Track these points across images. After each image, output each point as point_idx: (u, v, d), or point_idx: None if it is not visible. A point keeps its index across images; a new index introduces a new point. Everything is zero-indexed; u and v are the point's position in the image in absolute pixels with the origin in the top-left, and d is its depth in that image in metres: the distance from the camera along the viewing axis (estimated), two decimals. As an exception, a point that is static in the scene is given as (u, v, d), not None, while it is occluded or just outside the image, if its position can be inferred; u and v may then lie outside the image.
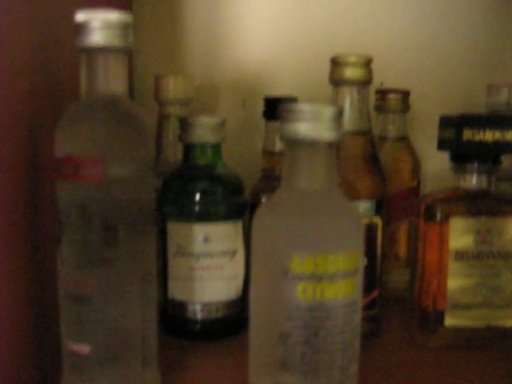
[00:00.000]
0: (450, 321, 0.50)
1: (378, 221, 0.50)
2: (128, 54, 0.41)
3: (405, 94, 0.60)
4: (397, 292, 0.60)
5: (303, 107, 0.39)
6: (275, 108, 0.59)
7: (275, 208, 0.40)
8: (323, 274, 0.38)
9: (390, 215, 0.59)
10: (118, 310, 0.40)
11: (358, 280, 0.40)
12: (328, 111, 0.39)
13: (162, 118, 0.59)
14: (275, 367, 0.39)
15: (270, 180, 0.60)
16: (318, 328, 0.39)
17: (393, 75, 0.65)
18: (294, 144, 0.39)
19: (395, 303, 0.59)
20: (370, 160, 0.51)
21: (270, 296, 0.39)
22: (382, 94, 0.60)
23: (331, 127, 0.39)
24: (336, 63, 0.50)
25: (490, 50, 0.67)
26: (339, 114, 0.40)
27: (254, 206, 0.58)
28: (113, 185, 0.39)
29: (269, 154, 0.60)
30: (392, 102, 0.60)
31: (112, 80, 0.40)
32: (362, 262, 0.40)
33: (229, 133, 0.61)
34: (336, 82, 0.50)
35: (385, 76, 0.64)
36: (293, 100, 0.60)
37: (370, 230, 0.50)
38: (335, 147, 0.40)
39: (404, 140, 0.61)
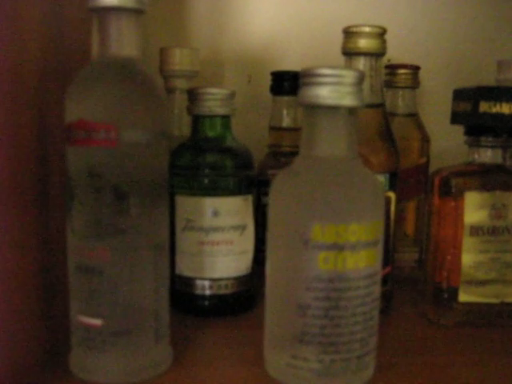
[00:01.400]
0: (464, 297, 0.49)
1: (391, 195, 0.49)
2: (142, 16, 0.39)
3: (415, 70, 0.59)
4: (405, 270, 0.59)
5: (324, 71, 0.37)
6: (283, 83, 0.59)
7: (294, 176, 0.39)
8: (345, 244, 0.37)
9: (399, 192, 0.58)
10: (130, 282, 0.39)
11: (379, 251, 0.39)
12: (350, 75, 0.38)
13: (168, 91, 0.57)
14: (293, 340, 0.38)
15: (277, 156, 0.59)
16: (338, 299, 0.38)
17: (402, 52, 0.64)
18: (314, 109, 0.38)
19: (404, 281, 0.58)
20: (383, 133, 0.50)
21: (288, 266, 0.38)
22: (392, 69, 0.59)
23: (353, 92, 0.38)
24: (350, 33, 0.49)
25: (499, 26, 0.66)
26: (361, 78, 0.38)
27: (260, 182, 0.57)
28: (126, 151, 0.37)
29: (276, 129, 0.59)
30: (402, 77, 0.59)
31: (125, 42, 0.39)
32: (382, 232, 0.39)
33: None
34: (349, 52, 0.49)
35: (394, 52, 0.62)
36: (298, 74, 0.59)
37: (385, 205, 0.49)
38: (356, 114, 0.39)
39: (413, 116, 0.60)
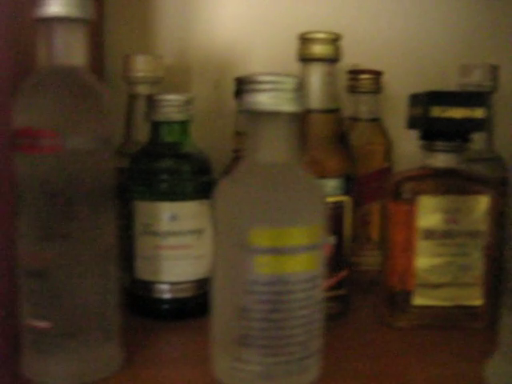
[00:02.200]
0: (418, 300, 0.49)
1: (345, 199, 0.50)
2: (88, 26, 0.40)
3: (377, 75, 0.60)
4: (370, 274, 0.59)
5: (263, 78, 0.38)
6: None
7: (235, 181, 0.40)
8: (282, 248, 0.38)
9: (362, 196, 0.58)
10: (76, 285, 0.39)
11: (319, 255, 0.40)
12: (289, 82, 0.38)
13: (132, 98, 0.58)
14: (235, 343, 0.39)
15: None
16: (278, 303, 0.38)
17: (367, 57, 0.64)
18: (255, 115, 0.39)
19: (369, 285, 0.58)
20: (338, 138, 0.50)
21: (229, 270, 0.39)
22: (354, 74, 0.60)
23: (292, 98, 0.38)
24: (304, 40, 0.50)
25: (462, 31, 0.67)
26: (300, 85, 0.39)
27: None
28: (70, 157, 0.38)
29: (240, 134, 0.59)
30: (364, 82, 0.60)
31: (71, 51, 0.40)
32: (323, 237, 0.40)
33: (201, 113, 0.61)
34: (304, 58, 0.50)
35: (359, 58, 0.63)
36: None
37: (338, 209, 0.49)
38: (297, 120, 0.40)
39: (376, 121, 0.60)
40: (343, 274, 0.51)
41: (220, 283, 0.40)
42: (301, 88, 0.39)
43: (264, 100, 0.38)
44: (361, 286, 0.57)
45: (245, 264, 0.38)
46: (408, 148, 0.59)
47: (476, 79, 0.58)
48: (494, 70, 0.58)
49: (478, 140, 0.58)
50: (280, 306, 0.38)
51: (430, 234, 0.49)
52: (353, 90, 0.60)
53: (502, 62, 0.60)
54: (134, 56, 0.57)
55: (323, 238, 0.40)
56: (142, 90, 0.57)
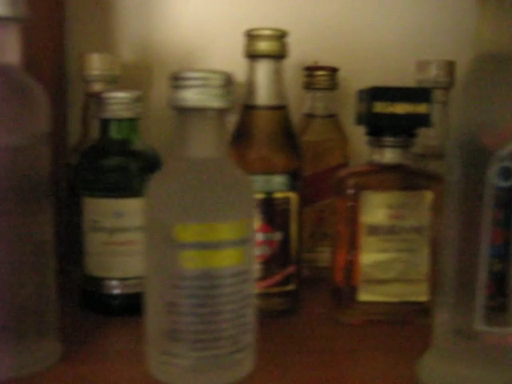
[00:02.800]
0: (363, 296, 0.49)
1: (292, 196, 0.50)
2: (20, 24, 0.41)
3: (333, 72, 0.60)
4: (326, 270, 0.59)
5: (190, 74, 0.38)
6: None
7: (163, 177, 0.40)
8: (209, 243, 0.38)
9: (318, 193, 0.59)
10: (9, 280, 0.40)
11: (248, 249, 0.40)
12: (216, 77, 0.39)
13: (88, 97, 0.59)
14: (164, 337, 0.39)
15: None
16: (205, 297, 0.38)
17: (326, 54, 0.64)
18: (182, 111, 0.39)
19: (323, 281, 0.58)
20: (284, 135, 0.50)
21: (158, 265, 0.39)
22: (310, 71, 0.60)
23: (220, 94, 0.39)
24: (250, 36, 0.50)
25: (422, 27, 0.67)
26: (228, 80, 0.39)
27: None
28: (4, 154, 0.39)
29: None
30: (320, 79, 0.60)
31: (3, 50, 0.40)
32: (252, 231, 0.40)
33: (161, 111, 0.61)
34: (250, 55, 0.50)
35: (318, 55, 0.63)
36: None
37: (284, 205, 0.50)
38: (225, 115, 0.40)
39: (332, 118, 0.60)
40: (290, 270, 0.51)
41: (150, 278, 0.40)
42: (229, 84, 0.39)
43: (191, 96, 0.38)
44: (316, 282, 0.57)
45: (171, 259, 0.38)
46: (364, 144, 0.59)
47: (432, 75, 0.58)
48: (450, 66, 0.58)
49: (434, 136, 0.57)
50: (208, 300, 0.38)
51: (374, 230, 0.49)
52: (309, 86, 0.60)
53: (460, 58, 0.60)
54: (89, 55, 0.58)
55: (253, 233, 0.40)
56: (98, 88, 0.58)
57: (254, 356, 0.42)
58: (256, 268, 0.41)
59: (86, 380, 0.41)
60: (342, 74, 0.62)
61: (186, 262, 0.38)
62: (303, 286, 0.56)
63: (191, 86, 0.38)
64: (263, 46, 0.49)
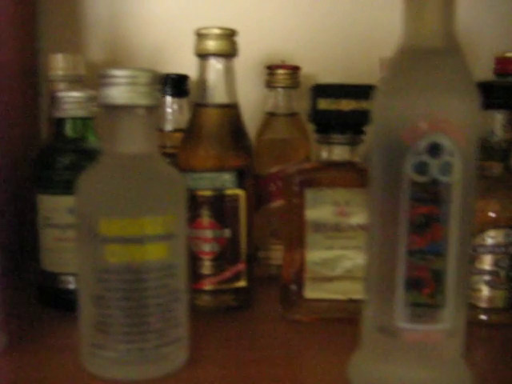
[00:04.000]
0: (309, 293, 0.49)
1: (239, 192, 0.50)
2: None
3: (294, 70, 0.60)
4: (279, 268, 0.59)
5: (118, 72, 0.39)
6: (166, 85, 0.61)
7: (92, 173, 0.41)
8: (132, 237, 0.39)
9: (277, 191, 0.59)
10: None
11: (175, 245, 0.40)
12: (143, 75, 0.39)
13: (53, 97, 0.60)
14: (92, 330, 0.40)
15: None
16: (130, 291, 0.39)
17: (292, 54, 0.65)
18: (110, 109, 0.40)
19: (277, 278, 0.58)
20: (234, 133, 0.51)
21: (85, 259, 0.40)
22: (272, 69, 0.60)
23: (147, 92, 0.39)
24: (200, 35, 0.50)
25: (383, 25, 0.66)
26: (155, 78, 0.40)
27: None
28: None
29: (160, 131, 0.61)
30: (281, 77, 0.60)
31: None
32: (180, 227, 0.41)
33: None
34: (200, 54, 0.50)
35: (284, 54, 0.64)
36: (183, 77, 0.61)
37: (232, 202, 0.50)
38: (154, 112, 0.40)
39: (294, 116, 0.60)
40: (240, 267, 0.51)
41: (80, 272, 0.41)
42: (156, 82, 0.40)
43: (118, 94, 0.39)
44: (274, 280, 0.57)
45: (97, 253, 0.39)
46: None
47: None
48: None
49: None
50: (133, 294, 0.39)
51: (319, 227, 0.48)
52: (270, 85, 0.60)
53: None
54: (53, 55, 0.59)
55: (181, 229, 0.41)
56: (63, 88, 0.59)
57: (186, 351, 0.42)
58: (185, 263, 0.41)
59: (20, 371, 0.42)
60: (306, 72, 0.62)
61: (110, 256, 0.39)
62: (261, 283, 0.57)
63: (119, 84, 0.39)
64: (212, 44, 0.50)
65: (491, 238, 0.50)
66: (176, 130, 0.60)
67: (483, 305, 0.51)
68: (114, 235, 0.38)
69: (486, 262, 0.50)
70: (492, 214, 0.50)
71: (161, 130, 0.60)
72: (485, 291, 0.50)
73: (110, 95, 0.39)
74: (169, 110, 0.60)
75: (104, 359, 0.40)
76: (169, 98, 0.60)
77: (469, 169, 0.36)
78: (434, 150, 0.35)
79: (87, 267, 0.40)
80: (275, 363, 0.43)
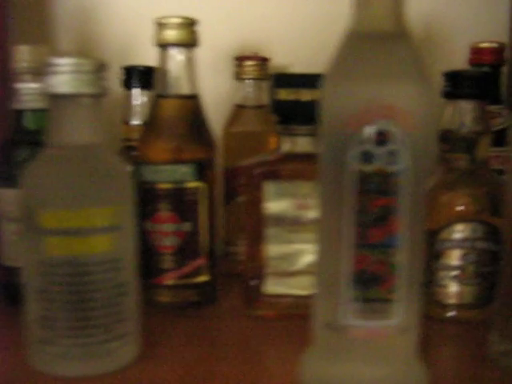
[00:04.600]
0: (270, 289, 0.48)
1: (199, 185, 0.49)
2: None
3: (263, 61, 0.59)
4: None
5: (61, 60, 0.38)
6: (133, 77, 0.60)
7: (36, 164, 0.40)
8: (73, 230, 0.37)
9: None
10: None
11: (120, 237, 0.39)
12: (87, 64, 0.38)
13: (19, 88, 0.59)
14: (37, 325, 0.39)
15: (130, 151, 0.60)
16: (73, 284, 0.38)
17: (265, 45, 0.63)
18: (55, 98, 0.39)
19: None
20: (194, 124, 0.50)
21: (28, 252, 0.39)
22: (240, 61, 0.59)
23: (91, 80, 0.38)
24: (159, 25, 0.49)
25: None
26: (100, 67, 0.39)
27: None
28: None
29: (127, 124, 0.60)
30: (249, 69, 0.58)
31: None
32: (125, 219, 0.39)
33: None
34: (160, 44, 0.49)
35: (258, 45, 0.62)
36: (151, 69, 0.60)
37: (192, 195, 0.49)
38: (100, 102, 0.39)
39: (262, 108, 0.59)
40: (200, 261, 0.50)
41: (23, 265, 0.40)
42: (100, 70, 0.39)
43: (62, 82, 0.38)
44: (239, 275, 0.56)
45: (39, 246, 0.38)
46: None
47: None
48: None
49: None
50: (76, 287, 0.38)
51: (279, 221, 0.47)
52: (239, 76, 0.59)
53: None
54: (19, 47, 0.58)
55: (127, 221, 0.40)
56: (29, 80, 0.58)
57: (136, 346, 0.41)
58: (133, 256, 0.40)
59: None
60: (280, 64, 0.61)
61: (52, 249, 0.38)
62: (230, 279, 0.55)
63: (62, 73, 0.38)
64: (172, 34, 0.49)
65: (458, 232, 0.48)
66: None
67: (451, 301, 0.49)
68: (55, 227, 0.38)
69: (454, 257, 0.48)
70: (460, 208, 0.48)
71: (127, 123, 0.59)
72: (452, 287, 0.49)
73: (53, 84, 0.38)
74: (136, 103, 0.59)
75: (49, 355, 0.39)
76: (136, 91, 0.59)
77: (418, 158, 0.35)
78: (380, 137, 0.34)
79: (31, 261, 0.39)
80: (231, 360, 0.42)
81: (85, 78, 0.38)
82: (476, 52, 0.59)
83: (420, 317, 0.37)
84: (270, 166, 0.48)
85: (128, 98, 0.59)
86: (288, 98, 0.46)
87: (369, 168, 0.34)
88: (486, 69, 0.58)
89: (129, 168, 0.41)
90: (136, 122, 0.59)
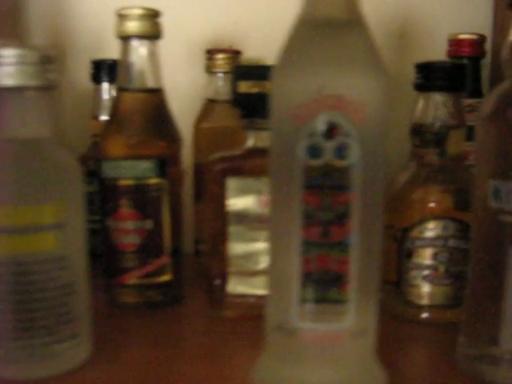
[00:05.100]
0: (233, 288, 0.46)
1: (161, 182, 0.47)
2: None
3: (234, 54, 0.57)
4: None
5: (3, 51, 0.37)
6: (101, 71, 0.58)
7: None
8: (14, 227, 0.36)
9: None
10: None
11: (66, 235, 0.38)
12: (32, 55, 0.37)
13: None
14: (-19, 325, 0.38)
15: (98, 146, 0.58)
16: (15, 284, 0.37)
17: (240, 38, 0.62)
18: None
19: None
20: (156, 119, 0.48)
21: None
22: (211, 54, 0.57)
23: (37, 72, 0.37)
24: (120, 16, 0.48)
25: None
26: (46, 58, 0.37)
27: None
28: None
29: (96, 119, 0.58)
30: (220, 62, 0.57)
31: None
32: (72, 216, 0.38)
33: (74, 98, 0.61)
34: (122, 36, 0.48)
35: (232, 38, 0.61)
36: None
37: (154, 192, 0.47)
38: (47, 94, 0.38)
39: (234, 103, 0.57)
40: (163, 260, 0.48)
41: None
42: (47, 62, 0.37)
43: (5, 74, 0.37)
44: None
45: (-20, 244, 0.37)
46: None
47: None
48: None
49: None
50: (18, 287, 0.37)
51: (242, 218, 0.46)
52: (210, 70, 0.58)
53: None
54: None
55: (72, 218, 0.38)
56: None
57: (86, 349, 0.40)
58: (81, 255, 0.39)
59: None
60: (254, 57, 0.59)
61: (-9, 247, 0.36)
62: (200, 278, 0.54)
63: (5, 64, 0.37)
64: (134, 26, 0.47)
65: (430, 230, 0.46)
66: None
67: (423, 302, 0.47)
68: (-5, 225, 0.36)
69: (425, 256, 0.47)
70: (431, 205, 0.46)
71: (96, 118, 0.57)
72: (424, 287, 0.47)
73: (-2, 75, 0.37)
74: (105, 97, 0.57)
75: (-8, 357, 0.38)
76: (105, 85, 0.57)
77: (370, 152, 0.33)
78: (328, 130, 0.32)
79: (-27, 259, 0.37)
80: (189, 362, 0.41)
81: (29, 70, 0.37)
82: (454, 44, 0.57)
83: (376, 320, 0.35)
84: (232, 161, 0.46)
85: (97, 93, 0.58)
86: (249, 91, 0.45)
87: (317, 162, 0.32)
88: (464, 61, 0.55)
89: (77, 163, 0.39)
90: (105, 117, 0.57)
